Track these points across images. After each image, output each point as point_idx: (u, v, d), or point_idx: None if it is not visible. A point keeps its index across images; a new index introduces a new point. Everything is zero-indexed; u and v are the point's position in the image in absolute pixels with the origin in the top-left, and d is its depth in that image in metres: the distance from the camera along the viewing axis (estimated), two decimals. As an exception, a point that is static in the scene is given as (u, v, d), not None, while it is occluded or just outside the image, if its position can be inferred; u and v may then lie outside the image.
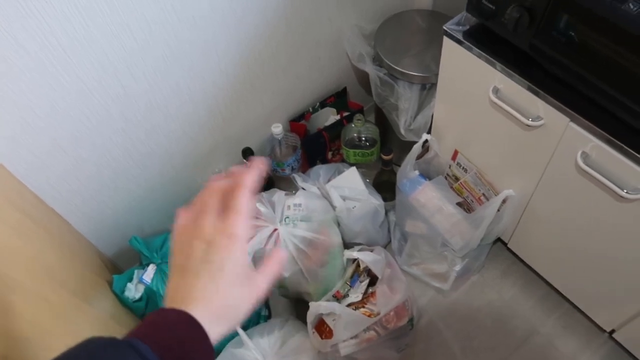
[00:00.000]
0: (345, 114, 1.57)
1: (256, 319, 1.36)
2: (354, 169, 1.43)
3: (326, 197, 1.37)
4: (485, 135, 1.17)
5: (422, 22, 1.42)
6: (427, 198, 1.36)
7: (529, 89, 0.94)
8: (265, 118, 1.43)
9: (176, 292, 0.40)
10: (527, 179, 1.12)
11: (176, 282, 0.41)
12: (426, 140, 1.32)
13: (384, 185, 1.48)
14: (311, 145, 1.55)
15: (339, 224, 1.38)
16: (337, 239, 1.32)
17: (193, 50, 1.10)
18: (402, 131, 1.36)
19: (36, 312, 0.73)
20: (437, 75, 1.19)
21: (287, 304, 1.46)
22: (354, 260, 1.36)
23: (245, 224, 0.42)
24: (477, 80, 1.05)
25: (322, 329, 1.26)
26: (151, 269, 1.23)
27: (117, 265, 1.42)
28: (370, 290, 1.30)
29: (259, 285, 0.43)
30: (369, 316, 1.22)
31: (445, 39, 1.06)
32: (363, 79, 1.61)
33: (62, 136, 1.03)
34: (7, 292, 0.66)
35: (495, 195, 1.24)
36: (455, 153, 1.33)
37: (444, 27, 1.04)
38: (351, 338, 1.22)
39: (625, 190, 0.87)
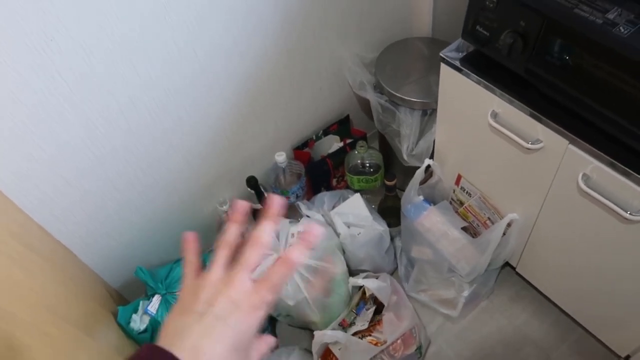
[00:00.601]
0: (349, 141, 1.58)
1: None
2: (358, 195, 1.43)
3: (330, 224, 1.37)
4: (486, 159, 1.17)
5: (422, 49, 1.44)
6: (432, 223, 1.35)
7: (527, 113, 0.95)
8: (269, 147, 1.45)
9: (174, 330, 0.39)
10: (531, 202, 1.11)
11: (178, 319, 0.39)
12: (429, 166, 1.33)
13: (389, 211, 1.48)
14: (315, 173, 1.56)
15: (344, 252, 1.37)
16: (341, 267, 1.31)
17: (195, 84, 1.13)
18: (405, 157, 1.37)
19: (36, 347, 0.73)
20: (437, 101, 1.20)
21: (293, 334, 1.45)
22: (360, 287, 1.34)
23: (274, 295, 0.41)
24: (476, 105, 1.05)
25: (329, 358, 1.24)
26: (156, 300, 1.23)
27: (123, 296, 1.43)
28: (376, 318, 1.28)
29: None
30: (375, 344, 1.20)
31: (443, 66, 1.08)
32: (365, 106, 1.63)
33: (66, 169, 1.05)
34: (7, 326, 0.66)
35: (500, 219, 1.23)
36: (459, 177, 1.32)
37: (441, 54, 1.06)
38: (358, 367, 1.20)
39: (629, 212, 0.86)
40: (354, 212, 1.39)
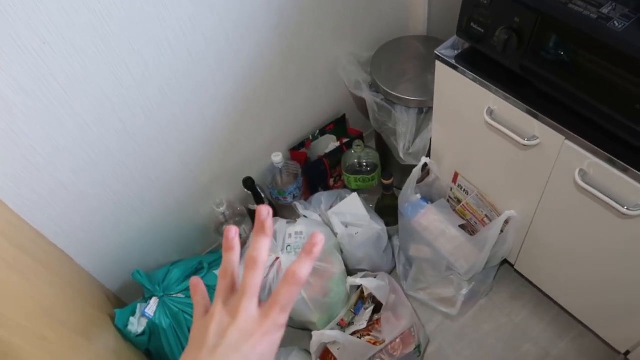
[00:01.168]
0: (345, 140, 1.58)
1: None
2: (355, 194, 1.43)
3: (328, 224, 1.37)
4: (483, 156, 1.17)
5: (417, 48, 1.44)
6: (430, 221, 1.35)
7: (523, 109, 0.94)
8: (266, 148, 1.45)
9: None
10: (528, 198, 1.11)
11: (190, 357, 0.39)
12: (426, 164, 1.32)
13: (387, 210, 1.47)
14: (312, 173, 1.55)
15: (341, 251, 1.37)
16: (339, 266, 1.31)
17: (190, 84, 1.12)
18: (402, 155, 1.37)
19: (32, 352, 0.73)
20: (433, 99, 1.19)
21: (292, 334, 1.44)
22: (358, 287, 1.34)
23: (285, 314, 0.40)
24: (471, 103, 1.05)
25: (328, 358, 1.24)
26: (154, 302, 1.23)
27: (122, 299, 1.42)
28: (375, 317, 1.28)
29: None
30: (374, 344, 1.20)
31: (438, 63, 1.07)
32: (361, 105, 1.62)
33: (62, 172, 1.04)
34: (1, 331, 0.66)
35: (498, 216, 1.22)
36: (456, 175, 1.32)
37: (436, 52, 1.05)
38: (357, 367, 1.19)
39: (625, 207, 0.86)
40: (351, 211, 1.39)
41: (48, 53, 0.87)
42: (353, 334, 1.24)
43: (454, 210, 1.41)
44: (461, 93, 1.07)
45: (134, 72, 1.01)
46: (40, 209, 1.06)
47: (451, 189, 1.39)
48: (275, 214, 1.50)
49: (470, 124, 1.10)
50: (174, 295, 1.26)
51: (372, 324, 1.25)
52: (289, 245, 1.27)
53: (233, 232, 0.42)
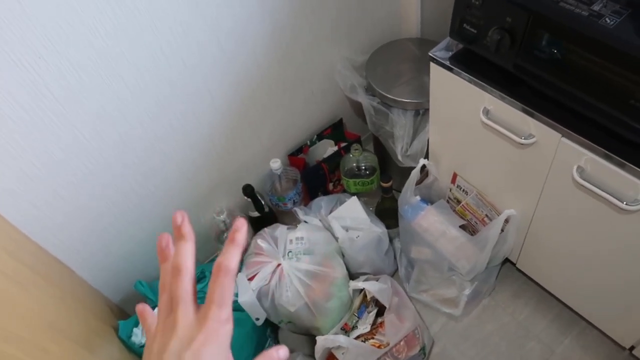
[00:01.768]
0: (343, 144, 1.58)
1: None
2: (355, 198, 1.43)
3: (328, 228, 1.37)
4: (480, 156, 1.17)
5: (411, 50, 1.45)
6: (430, 223, 1.35)
7: (519, 108, 0.95)
8: (264, 154, 1.45)
9: None
10: (527, 197, 1.11)
11: None
12: (424, 166, 1.32)
13: (387, 212, 1.47)
14: (311, 178, 1.55)
15: (343, 255, 1.37)
16: (341, 271, 1.31)
17: (185, 93, 1.13)
18: (400, 157, 1.37)
19: (35, 364, 0.73)
20: (429, 100, 1.20)
21: (296, 340, 1.44)
22: (361, 290, 1.34)
23: (226, 306, 0.39)
24: (467, 103, 1.05)
25: (332, 363, 1.23)
26: (157, 313, 1.22)
27: (125, 310, 1.42)
28: (378, 320, 1.28)
29: None
30: (378, 347, 1.20)
31: (433, 65, 1.08)
32: (358, 109, 1.63)
33: (60, 184, 1.04)
34: (3, 345, 0.65)
35: (498, 215, 1.22)
36: (455, 176, 1.32)
37: (430, 54, 1.06)
38: (362, 371, 1.19)
39: (624, 202, 0.86)
40: (351, 215, 1.39)
41: (43, 67, 0.88)
42: (357, 337, 1.24)
43: (454, 210, 1.41)
44: (456, 94, 1.07)
45: (129, 84, 1.01)
46: (40, 222, 1.06)
47: (450, 190, 1.39)
48: (275, 220, 1.50)
49: (467, 125, 1.10)
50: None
51: (376, 327, 1.25)
52: (290, 252, 1.26)
53: (164, 242, 0.41)
